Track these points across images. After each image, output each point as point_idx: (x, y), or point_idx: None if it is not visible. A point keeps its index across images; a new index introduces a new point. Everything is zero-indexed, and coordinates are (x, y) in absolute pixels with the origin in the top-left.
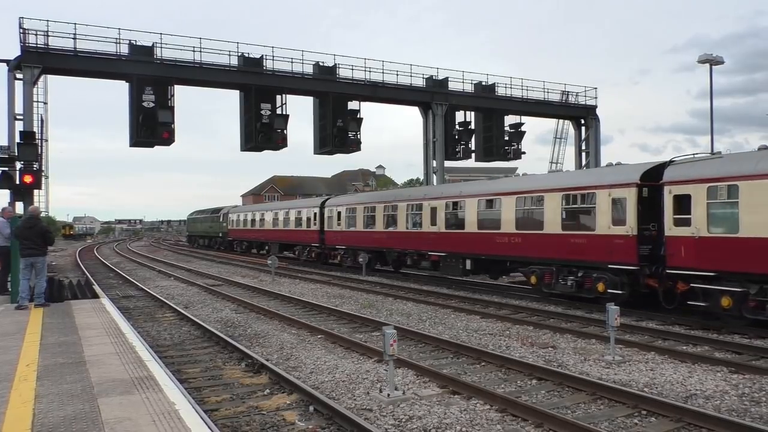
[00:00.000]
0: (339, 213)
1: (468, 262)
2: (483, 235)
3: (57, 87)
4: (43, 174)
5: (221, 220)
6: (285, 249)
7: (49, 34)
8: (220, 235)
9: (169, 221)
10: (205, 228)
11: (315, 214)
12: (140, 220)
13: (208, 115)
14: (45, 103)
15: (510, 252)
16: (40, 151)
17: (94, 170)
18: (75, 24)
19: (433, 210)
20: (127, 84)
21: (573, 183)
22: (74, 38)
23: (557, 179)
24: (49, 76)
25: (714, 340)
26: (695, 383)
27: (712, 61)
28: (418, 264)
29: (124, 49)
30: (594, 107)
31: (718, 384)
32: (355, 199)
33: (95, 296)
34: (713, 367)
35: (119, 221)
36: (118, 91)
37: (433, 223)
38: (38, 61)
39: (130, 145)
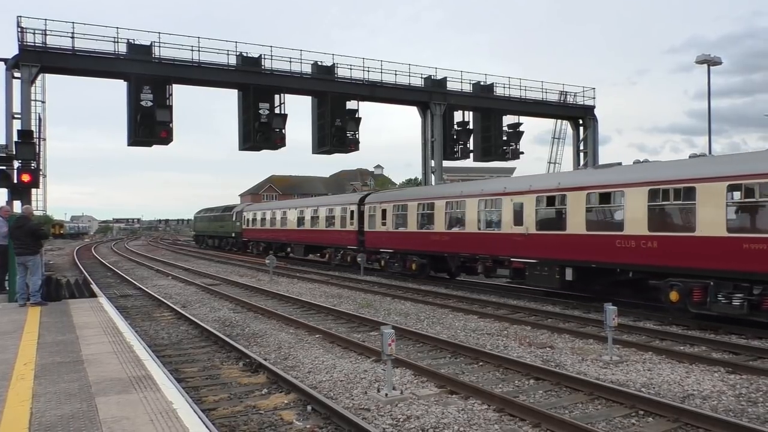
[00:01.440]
0: (384, 211)
1: (568, 272)
2: (595, 238)
3: (55, 86)
4: (40, 173)
5: (234, 218)
6: (312, 251)
7: (47, 33)
8: (233, 235)
9: (167, 220)
10: (214, 227)
11: (352, 212)
12: (138, 220)
13: (206, 114)
14: (43, 102)
15: (638, 260)
16: (37, 150)
17: (92, 169)
18: (73, 23)
19: (518, 206)
20: (126, 83)
21: (744, 170)
22: (72, 37)
23: (716, 165)
24: (47, 75)
25: (711, 341)
26: (692, 383)
27: (710, 62)
28: (492, 272)
29: (122, 48)
30: (592, 107)
31: (715, 384)
32: (406, 194)
33: (93, 295)
34: (710, 368)
35: (117, 220)
36: (116, 90)
37: (518, 222)
38: (36, 59)
39: (128, 144)
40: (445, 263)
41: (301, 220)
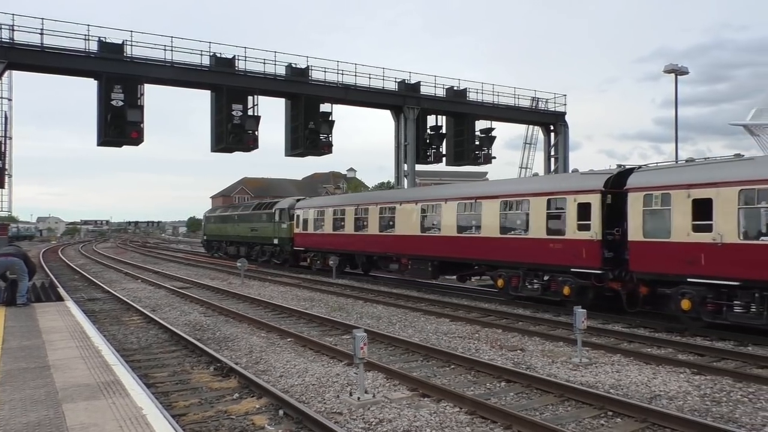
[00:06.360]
0: (698, 202)
1: None
2: None
3: (23, 83)
4: (6, 172)
5: (278, 218)
6: (452, 271)
7: (15, 28)
8: (275, 242)
9: (136, 222)
10: (242, 231)
11: (584, 206)
12: (107, 221)
13: (178, 115)
14: (9, 100)
15: None
16: (3, 149)
17: (61, 170)
18: (42, 19)
19: None
20: (96, 82)
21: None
22: (41, 33)
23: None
24: (14, 72)
25: (677, 343)
26: (659, 384)
27: (677, 71)
28: None
29: (93, 46)
30: (563, 114)
31: (681, 385)
32: None
33: (60, 299)
34: (676, 369)
35: (85, 222)
36: (86, 90)
37: None
38: (3, 55)
39: (98, 144)
40: None
41: (429, 221)
